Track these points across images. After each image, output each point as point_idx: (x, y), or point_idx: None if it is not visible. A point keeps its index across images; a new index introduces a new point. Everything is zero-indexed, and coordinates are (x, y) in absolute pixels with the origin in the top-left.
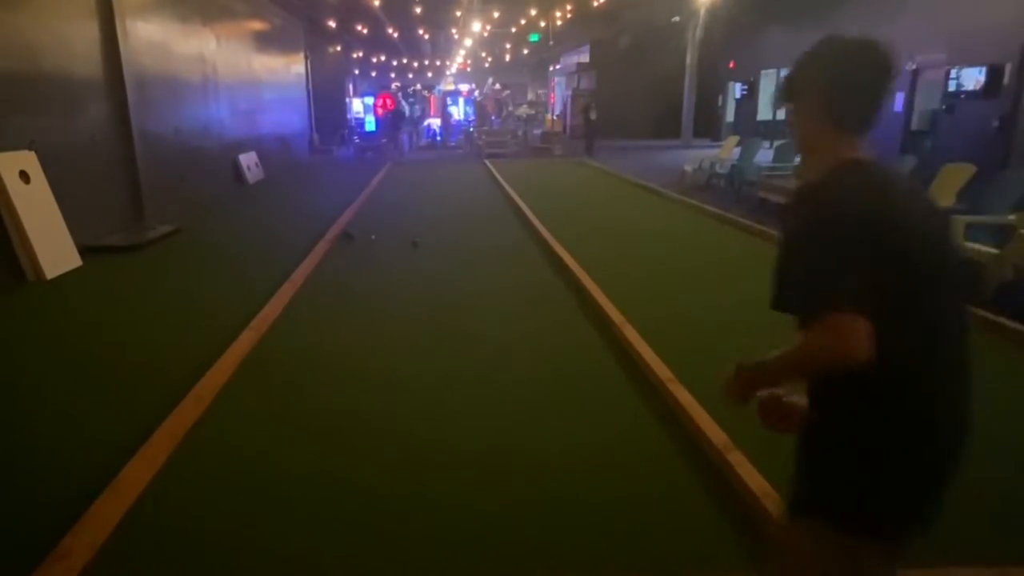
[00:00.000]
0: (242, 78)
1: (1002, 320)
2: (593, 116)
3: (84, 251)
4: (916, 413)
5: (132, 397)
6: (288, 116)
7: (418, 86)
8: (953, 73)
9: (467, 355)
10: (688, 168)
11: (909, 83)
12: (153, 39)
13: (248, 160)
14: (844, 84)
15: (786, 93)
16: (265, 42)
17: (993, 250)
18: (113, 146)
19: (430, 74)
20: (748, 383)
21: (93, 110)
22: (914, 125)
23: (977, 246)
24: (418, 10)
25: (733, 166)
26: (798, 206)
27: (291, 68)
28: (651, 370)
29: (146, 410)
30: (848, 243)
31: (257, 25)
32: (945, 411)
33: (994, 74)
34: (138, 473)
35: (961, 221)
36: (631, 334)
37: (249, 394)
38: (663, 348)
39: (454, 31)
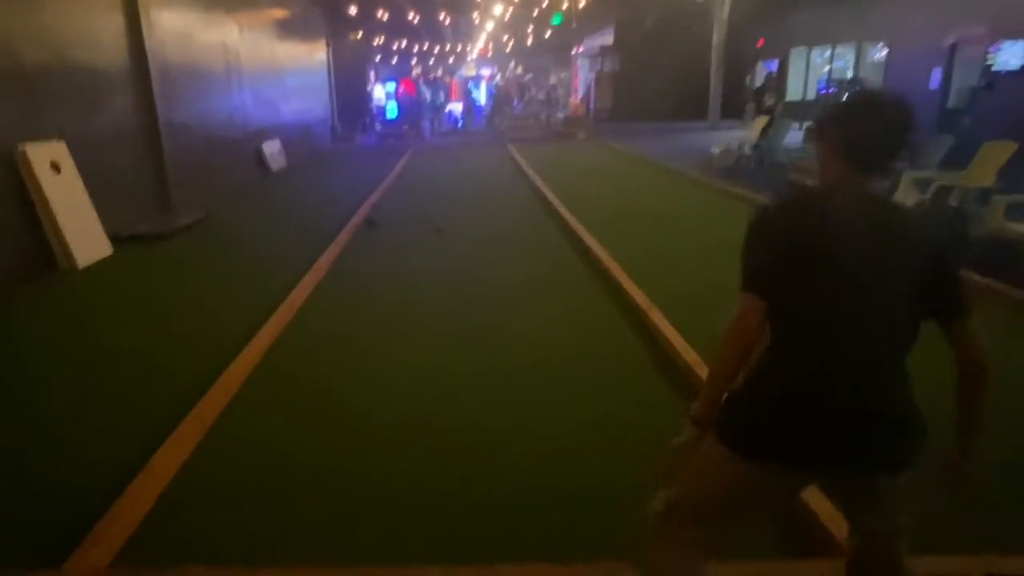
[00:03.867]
0: (265, 67)
1: None
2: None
3: (115, 240)
4: (799, 382)
5: (163, 384)
6: (310, 104)
7: (439, 72)
8: (994, 48)
9: (491, 344)
10: (716, 151)
11: (947, 59)
12: (177, 29)
13: (272, 148)
14: (860, 135)
15: (813, 134)
16: (287, 30)
17: None
18: (140, 136)
19: (451, 59)
20: (693, 427)
21: (120, 101)
22: (951, 103)
23: (1018, 226)
24: None
25: (763, 148)
26: (764, 206)
27: (313, 56)
28: (678, 355)
29: (176, 397)
30: (756, 245)
31: (279, 13)
32: (834, 392)
33: None
34: (168, 459)
35: (1001, 202)
36: (657, 317)
37: (275, 382)
38: (689, 333)
39: (475, 15)
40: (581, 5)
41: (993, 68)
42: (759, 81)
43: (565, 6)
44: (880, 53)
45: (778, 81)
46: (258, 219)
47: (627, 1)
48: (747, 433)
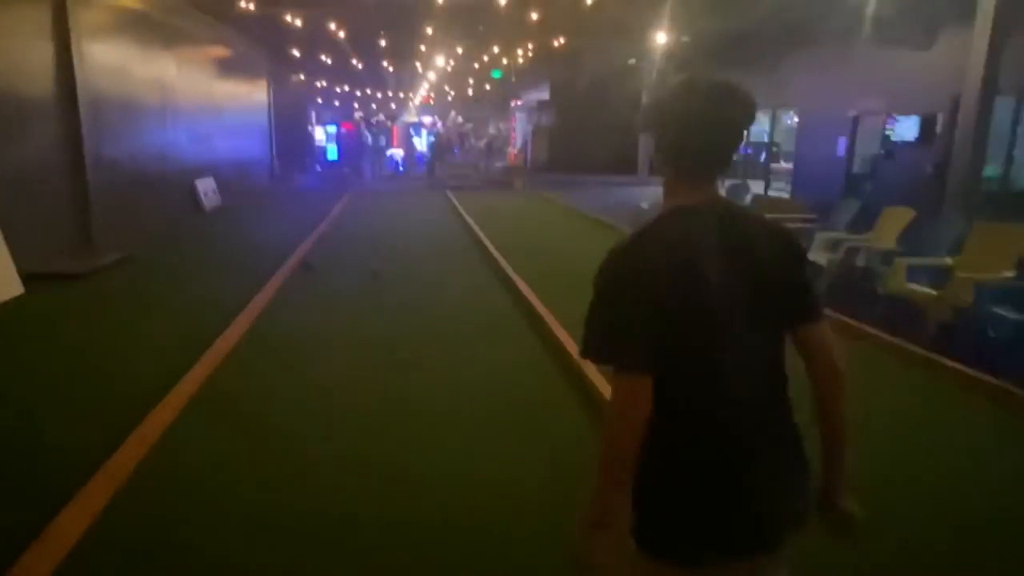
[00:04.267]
0: (202, 103)
1: (941, 359)
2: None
3: (27, 278)
4: (701, 451)
5: (72, 434)
6: (249, 143)
7: (381, 116)
8: (891, 121)
9: (426, 387)
10: (644, 205)
11: (851, 129)
12: (111, 62)
13: (205, 186)
14: (676, 128)
15: (640, 123)
16: (227, 68)
17: (932, 291)
18: (63, 170)
19: (394, 105)
20: (599, 532)
21: (43, 132)
22: (856, 169)
23: (917, 287)
24: (383, 43)
25: None
26: (610, 257)
27: (253, 95)
28: (606, 401)
29: (86, 450)
30: (632, 305)
31: (219, 51)
32: (736, 449)
33: (928, 123)
34: (75, 518)
35: (902, 264)
36: (590, 368)
37: (198, 433)
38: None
39: (418, 65)
40: (520, 62)
41: (892, 138)
42: None
43: (505, 62)
44: (794, 119)
45: None
46: (186, 259)
47: (563, 60)
48: (680, 534)
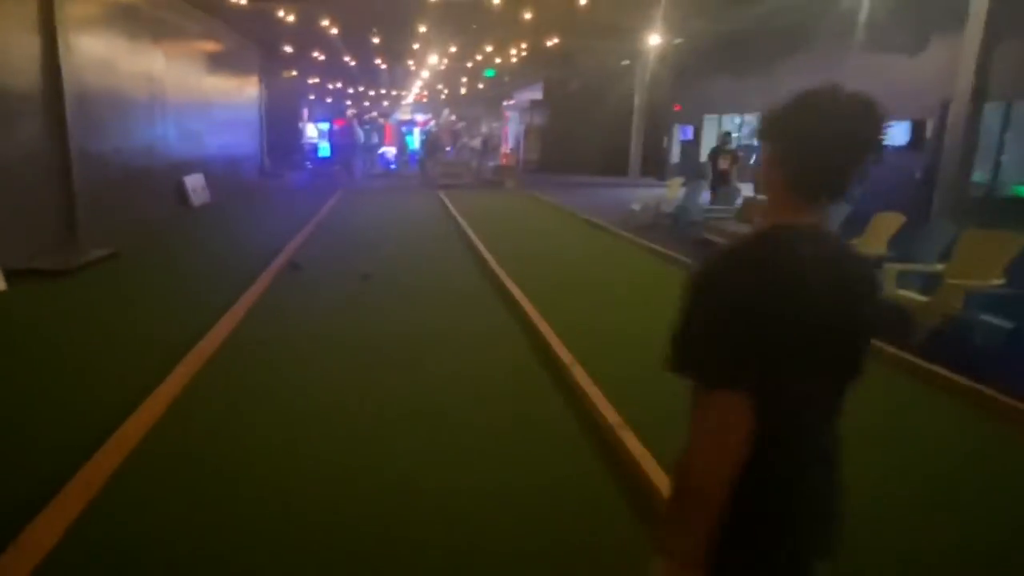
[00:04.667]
0: (191, 98)
1: (933, 367)
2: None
3: (10, 274)
4: (796, 485)
5: (52, 435)
6: (239, 139)
7: (374, 114)
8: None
9: (415, 391)
10: (636, 207)
11: None
12: (98, 55)
13: (194, 182)
14: (806, 145)
15: (760, 131)
16: (217, 63)
17: (922, 298)
18: (48, 164)
19: (386, 103)
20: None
21: (28, 126)
22: None
23: (907, 293)
24: (376, 40)
25: (678, 207)
26: (709, 270)
27: (244, 91)
28: (600, 414)
29: (66, 451)
30: (735, 320)
31: (210, 46)
32: (803, 502)
33: (918, 129)
34: (52, 522)
35: (892, 270)
36: (580, 375)
37: (181, 436)
38: (613, 389)
39: (411, 63)
40: (513, 61)
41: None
42: (676, 143)
43: (498, 61)
44: None
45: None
46: (173, 257)
47: (556, 60)
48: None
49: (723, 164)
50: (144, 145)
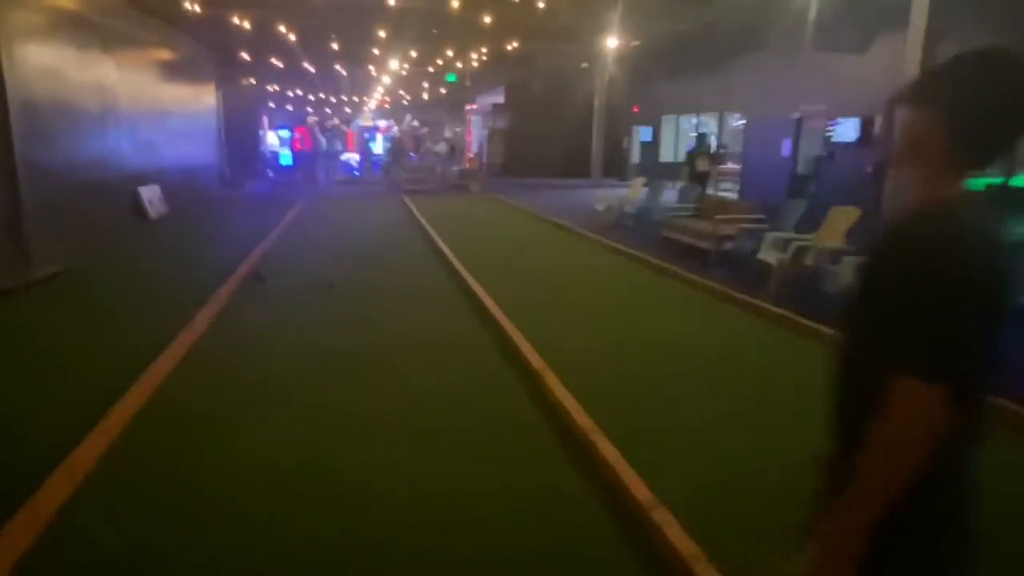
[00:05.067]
0: (145, 108)
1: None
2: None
3: None
4: (946, 502)
5: None
6: (196, 148)
7: (335, 120)
8: (832, 123)
9: (383, 401)
10: (599, 207)
11: (795, 130)
12: (45, 64)
13: (150, 194)
14: (980, 107)
15: (911, 92)
16: (172, 72)
17: None
18: None
19: (348, 109)
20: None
21: None
22: (800, 170)
23: None
24: (335, 46)
25: (640, 207)
26: (909, 246)
27: (201, 99)
28: (572, 419)
29: (9, 481)
30: (962, 313)
31: (163, 54)
32: (970, 501)
33: (867, 124)
34: None
35: (850, 263)
36: (552, 381)
37: (131, 465)
38: (584, 394)
39: (372, 68)
40: (474, 66)
41: (833, 139)
42: (636, 144)
43: (459, 65)
44: (740, 122)
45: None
46: (128, 271)
47: (516, 64)
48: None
49: (702, 166)
50: (95, 156)
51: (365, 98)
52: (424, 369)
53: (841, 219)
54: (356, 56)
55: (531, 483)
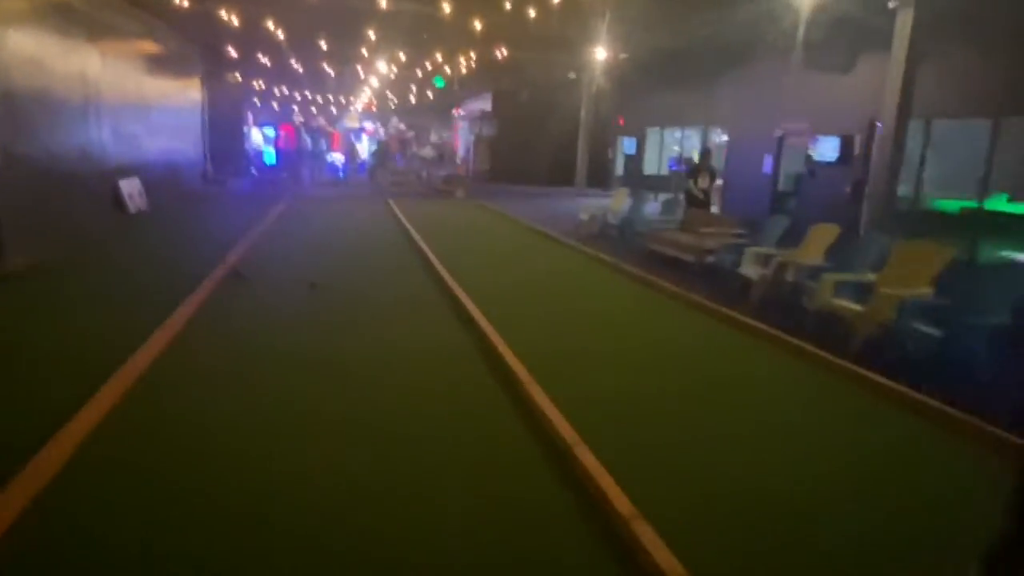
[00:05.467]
0: (129, 100)
1: (869, 374)
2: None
3: None
4: None
5: None
6: (180, 144)
7: (321, 120)
8: (813, 141)
9: (366, 405)
10: (584, 217)
11: (776, 148)
12: (25, 53)
13: (130, 187)
14: None
15: None
16: (158, 65)
17: (857, 307)
18: None
19: (335, 110)
20: None
21: None
22: (781, 186)
23: (843, 303)
24: (324, 45)
25: (623, 218)
26: None
27: (185, 94)
28: (556, 430)
29: None
30: None
31: (149, 47)
32: None
33: (846, 145)
34: None
35: (830, 279)
36: (535, 391)
37: (100, 471)
38: (568, 405)
39: (360, 69)
40: (463, 72)
41: (814, 158)
42: (620, 155)
43: (448, 70)
44: (724, 136)
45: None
46: (105, 266)
47: (505, 72)
48: None
49: (703, 183)
50: (76, 148)
51: (352, 99)
52: (404, 374)
53: (821, 236)
54: (344, 57)
55: (513, 494)
